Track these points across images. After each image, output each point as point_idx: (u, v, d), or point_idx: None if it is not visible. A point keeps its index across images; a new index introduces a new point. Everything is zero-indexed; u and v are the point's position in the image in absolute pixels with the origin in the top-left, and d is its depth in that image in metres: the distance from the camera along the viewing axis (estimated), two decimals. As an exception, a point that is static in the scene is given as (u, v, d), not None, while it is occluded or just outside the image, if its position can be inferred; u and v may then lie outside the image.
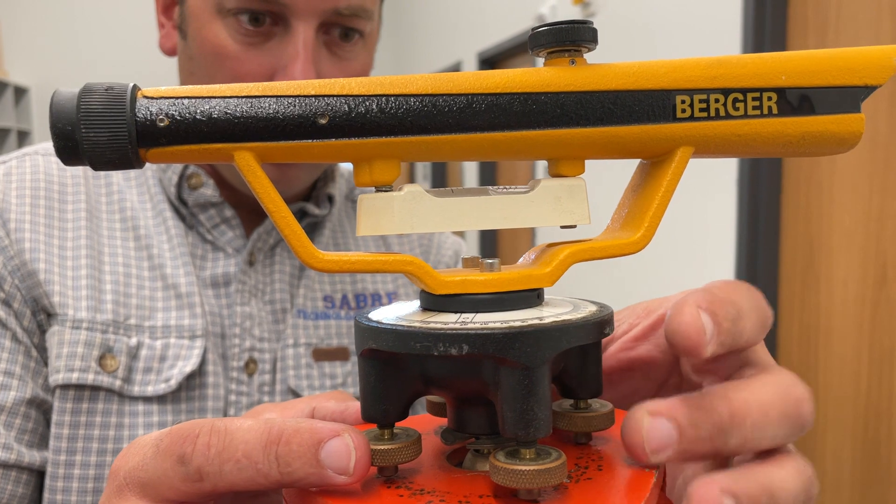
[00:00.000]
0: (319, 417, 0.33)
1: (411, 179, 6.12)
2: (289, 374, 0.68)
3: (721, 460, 0.31)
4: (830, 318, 1.95)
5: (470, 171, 4.81)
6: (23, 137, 5.46)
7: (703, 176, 2.27)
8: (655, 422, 0.25)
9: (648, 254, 2.59)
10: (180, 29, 0.67)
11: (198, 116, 0.26)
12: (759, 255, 2.11)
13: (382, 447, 0.26)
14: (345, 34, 0.64)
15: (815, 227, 1.98)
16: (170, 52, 0.70)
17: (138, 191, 0.70)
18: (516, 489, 0.25)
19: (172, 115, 0.25)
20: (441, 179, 5.44)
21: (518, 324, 0.25)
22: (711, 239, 2.28)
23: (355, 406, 0.36)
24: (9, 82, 5.15)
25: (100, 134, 0.25)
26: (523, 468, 0.24)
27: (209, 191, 0.69)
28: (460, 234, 5.10)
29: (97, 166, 0.25)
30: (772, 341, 2.13)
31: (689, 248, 2.41)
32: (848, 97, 0.28)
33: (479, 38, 4.48)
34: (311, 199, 0.75)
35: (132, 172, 0.71)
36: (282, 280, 0.71)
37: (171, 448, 0.26)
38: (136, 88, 0.26)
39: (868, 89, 0.29)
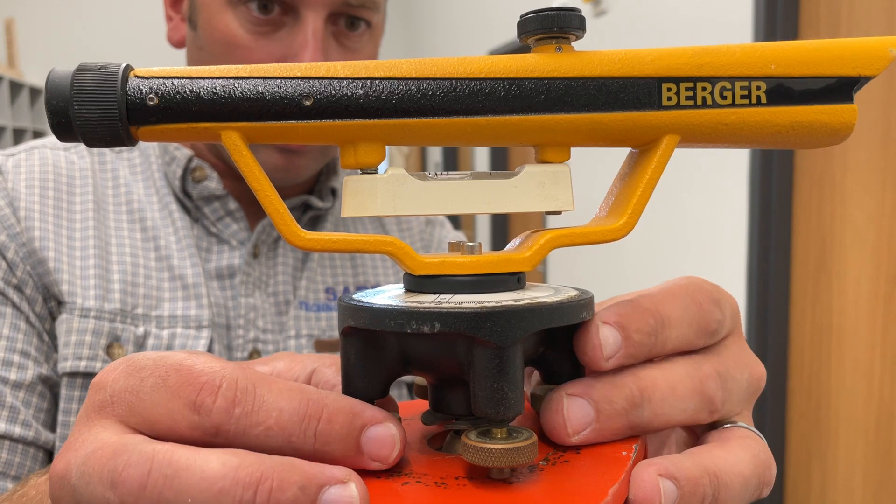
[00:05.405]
0: (315, 382, 0.33)
1: (423, 166, 6.12)
2: None
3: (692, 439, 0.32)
4: (843, 317, 1.93)
5: (481, 158, 4.80)
6: (39, 137, 5.44)
7: (714, 173, 2.26)
8: (574, 402, 0.26)
9: (660, 251, 2.58)
10: (190, 20, 0.68)
11: (186, 96, 0.26)
12: (771, 253, 2.10)
13: None
14: (351, 23, 0.65)
15: (828, 225, 1.97)
16: (178, 44, 0.72)
17: (144, 184, 0.71)
18: (488, 468, 0.25)
19: (162, 94, 0.26)
20: (453, 166, 5.44)
21: (491, 304, 0.25)
22: (723, 237, 2.27)
23: None
24: (25, 83, 5.18)
25: (91, 111, 0.25)
26: (492, 446, 0.24)
27: (213, 184, 0.70)
28: (470, 222, 5.08)
29: (90, 142, 0.26)
30: (784, 340, 2.12)
31: (700, 246, 2.40)
32: (840, 87, 0.28)
33: (491, 36, 4.47)
34: (315, 192, 0.76)
35: (139, 167, 0.72)
36: (284, 272, 0.72)
37: (182, 390, 0.24)
38: (128, 68, 0.26)
39: (862, 80, 0.28)
